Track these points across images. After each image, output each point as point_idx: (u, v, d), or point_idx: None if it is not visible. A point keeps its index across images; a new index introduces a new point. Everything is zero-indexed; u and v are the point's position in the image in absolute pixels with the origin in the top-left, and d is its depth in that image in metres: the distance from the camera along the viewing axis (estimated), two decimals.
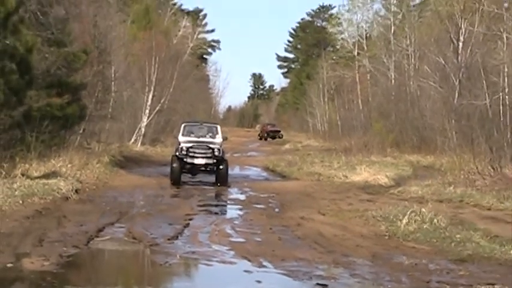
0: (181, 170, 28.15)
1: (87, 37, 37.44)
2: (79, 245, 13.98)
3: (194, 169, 28.54)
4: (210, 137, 29.61)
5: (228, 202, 24.37)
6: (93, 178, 28.18)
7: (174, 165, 27.96)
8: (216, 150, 28.18)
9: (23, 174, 23.17)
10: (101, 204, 21.49)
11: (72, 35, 33.75)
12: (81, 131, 34.89)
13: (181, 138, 29.07)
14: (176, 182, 27.92)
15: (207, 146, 28.30)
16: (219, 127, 30.77)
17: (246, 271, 12.56)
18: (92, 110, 35.10)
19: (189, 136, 29.37)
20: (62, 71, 30.02)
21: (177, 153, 28.21)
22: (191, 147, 28.09)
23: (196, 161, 28.03)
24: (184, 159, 27.99)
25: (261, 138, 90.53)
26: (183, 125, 30.38)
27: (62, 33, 31.45)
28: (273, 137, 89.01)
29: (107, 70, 42.01)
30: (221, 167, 28.18)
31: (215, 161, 28.14)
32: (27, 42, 23.47)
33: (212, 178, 29.10)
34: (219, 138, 29.48)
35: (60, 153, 28.79)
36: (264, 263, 13.08)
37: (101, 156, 34.29)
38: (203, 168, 28.45)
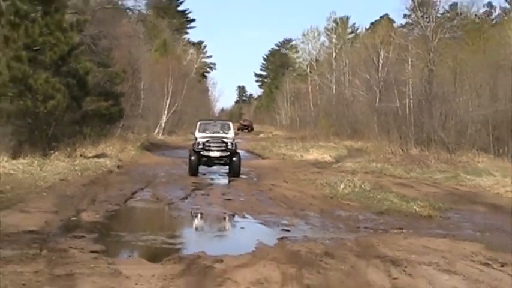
0: (199, 162, 22.74)
1: (125, 61, 37.37)
2: (119, 204, 13.99)
3: (210, 161, 22.96)
4: (224, 132, 23.93)
5: (221, 174, 24.28)
6: (129, 158, 28.12)
7: (192, 158, 22.65)
8: (229, 143, 22.82)
9: (81, 155, 23.20)
10: (134, 175, 21.45)
11: (114, 59, 33.78)
12: (120, 125, 34.94)
13: (198, 134, 23.55)
14: (194, 173, 22.55)
15: (221, 140, 22.88)
16: (231, 124, 25.24)
17: (234, 221, 12.61)
18: (128, 111, 35.09)
19: (205, 132, 23.67)
20: (107, 84, 30.07)
21: (194, 148, 22.88)
22: (207, 141, 22.68)
23: (212, 154, 22.61)
24: (201, 153, 22.60)
25: (238, 130, 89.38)
26: (199, 123, 24.41)
27: (107, 58, 31.69)
28: (247, 130, 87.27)
29: (138, 84, 42.40)
30: (234, 159, 22.74)
31: (229, 153, 22.72)
32: (85, 66, 23.36)
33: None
34: (231, 134, 23.95)
35: (106, 140, 28.80)
36: (246, 215, 13.09)
37: (134, 143, 34.28)
38: (217, 161, 22.99)
